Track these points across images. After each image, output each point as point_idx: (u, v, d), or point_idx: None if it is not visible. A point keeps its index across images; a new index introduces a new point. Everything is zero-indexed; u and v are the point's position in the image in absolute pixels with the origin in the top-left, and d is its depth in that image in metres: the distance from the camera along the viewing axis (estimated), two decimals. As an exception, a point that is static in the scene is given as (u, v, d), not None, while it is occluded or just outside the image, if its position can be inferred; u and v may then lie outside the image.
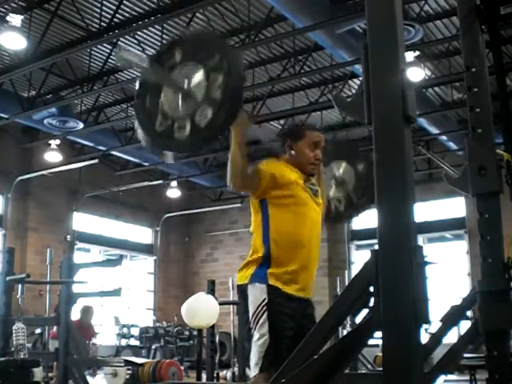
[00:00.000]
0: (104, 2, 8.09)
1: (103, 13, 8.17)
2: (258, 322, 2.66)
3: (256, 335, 2.66)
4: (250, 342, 2.71)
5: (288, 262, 2.72)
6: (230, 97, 2.39)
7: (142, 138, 2.59)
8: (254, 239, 2.82)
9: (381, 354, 1.74)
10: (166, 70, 2.56)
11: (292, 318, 2.70)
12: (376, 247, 1.72)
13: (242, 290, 2.77)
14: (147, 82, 2.63)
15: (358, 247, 14.15)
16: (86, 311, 8.61)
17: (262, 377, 2.63)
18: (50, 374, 6.86)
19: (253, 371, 2.66)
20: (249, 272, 2.75)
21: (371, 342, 1.76)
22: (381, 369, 1.69)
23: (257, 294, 2.68)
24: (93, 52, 9.38)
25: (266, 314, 2.64)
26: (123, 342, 12.89)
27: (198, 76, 2.45)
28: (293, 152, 2.89)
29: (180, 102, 2.47)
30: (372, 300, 1.71)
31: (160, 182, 13.95)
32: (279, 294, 2.67)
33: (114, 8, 8.07)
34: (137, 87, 2.72)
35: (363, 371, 6.78)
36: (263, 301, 2.65)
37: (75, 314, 7.54)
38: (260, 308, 2.66)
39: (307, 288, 2.82)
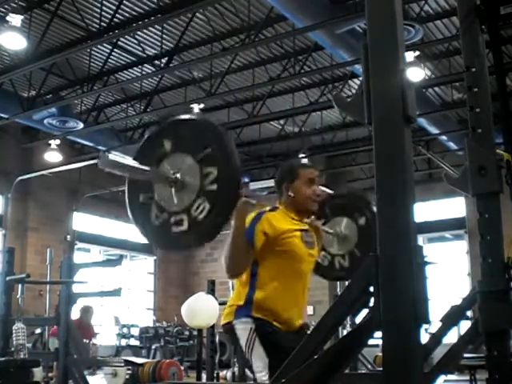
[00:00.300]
0: (104, 1, 8.09)
1: (103, 13, 8.17)
2: (252, 349, 2.62)
3: (255, 362, 2.62)
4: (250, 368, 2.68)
5: (273, 311, 2.69)
6: (226, 187, 2.26)
7: (140, 232, 2.49)
8: (239, 285, 2.78)
9: (381, 354, 1.74)
10: (154, 163, 2.41)
11: (285, 338, 2.64)
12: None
13: (228, 329, 2.73)
14: (136, 180, 2.51)
15: (358, 247, 14.12)
16: (86, 311, 8.61)
17: None
18: (50, 374, 6.86)
19: None
20: (232, 309, 2.72)
21: (371, 342, 1.76)
22: (381, 369, 1.69)
23: (244, 326, 2.66)
24: (93, 52, 9.39)
25: (257, 338, 2.61)
26: (123, 342, 12.90)
27: (189, 168, 2.33)
28: (291, 193, 2.84)
29: (174, 196, 2.35)
30: (372, 300, 1.71)
31: (160, 181, 13.94)
32: (266, 323, 2.65)
33: (114, 8, 8.07)
34: (126, 185, 2.57)
35: (363, 371, 6.77)
36: (251, 329, 2.63)
37: (75, 314, 7.54)
38: (250, 335, 2.62)
39: (294, 325, 2.76)
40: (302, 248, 2.78)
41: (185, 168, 2.34)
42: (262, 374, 2.58)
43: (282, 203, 2.88)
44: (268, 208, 2.83)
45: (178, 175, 2.34)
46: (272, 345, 2.61)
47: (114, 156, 2.38)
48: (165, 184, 2.37)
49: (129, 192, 2.54)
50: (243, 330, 2.66)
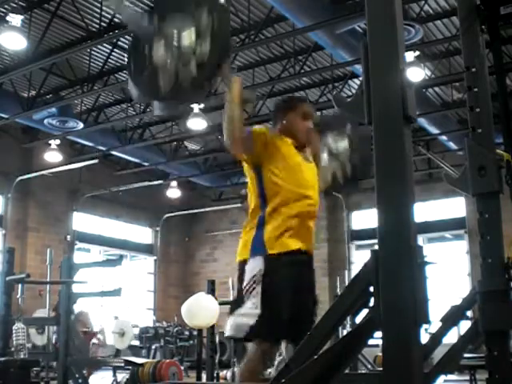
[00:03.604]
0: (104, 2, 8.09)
1: (103, 13, 8.17)
2: (251, 292, 2.65)
3: (248, 304, 2.64)
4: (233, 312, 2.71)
5: (285, 216, 2.73)
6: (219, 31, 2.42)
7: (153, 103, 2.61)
8: (250, 199, 2.85)
9: (381, 354, 1.74)
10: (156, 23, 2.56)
11: (290, 281, 2.67)
12: (376, 247, 1.72)
13: (241, 265, 2.76)
14: (142, 34, 2.61)
15: (358, 247, 14.15)
16: (77, 320, 8.40)
17: (259, 346, 2.60)
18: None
19: (229, 332, 2.67)
20: (248, 241, 2.74)
21: (371, 342, 1.76)
22: (381, 369, 1.69)
23: (255, 264, 2.68)
24: (93, 52, 9.38)
25: (260, 284, 2.63)
26: (123, 342, 12.88)
27: (182, 19, 2.49)
28: (284, 121, 2.94)
29: (176, 48, 2.47)
30: (372, 300, 1.71)
31: (160, 182, 13.95)
32: (279, 261, 2.67)
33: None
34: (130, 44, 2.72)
35: (363, 371, 6.77)
36: (259, 271, 2.65)
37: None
38: (256, 277, 2.65)
39: (307, 242, 2.81)
40: (299, 157, 2.88)
41: (182, 25, 2.48)
42: (248, 307, 2.62)
43: (277, 130, 2.98)
44: None
45: (176, 32, 2.47)
46: (271, 298, 2.62)
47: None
48: (165, 39, 2.48)
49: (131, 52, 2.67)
50: (252, 267, 2.68)
